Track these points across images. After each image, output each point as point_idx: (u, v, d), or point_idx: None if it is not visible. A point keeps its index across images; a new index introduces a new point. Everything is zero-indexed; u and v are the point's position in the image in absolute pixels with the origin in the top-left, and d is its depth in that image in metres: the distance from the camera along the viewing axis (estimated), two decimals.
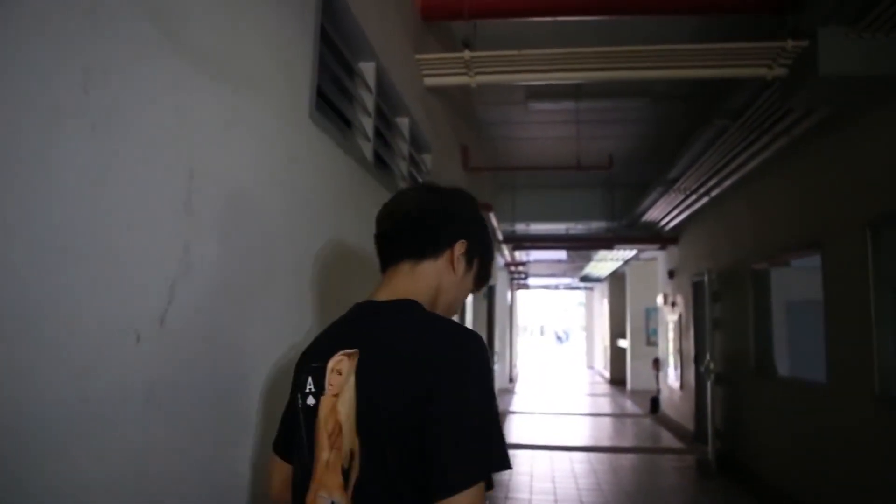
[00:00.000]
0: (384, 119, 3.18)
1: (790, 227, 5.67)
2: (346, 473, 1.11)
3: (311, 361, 1.23)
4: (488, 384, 1.11)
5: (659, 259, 11.64)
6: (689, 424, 9.29)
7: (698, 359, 8.87)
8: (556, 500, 5.86)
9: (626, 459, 7.67)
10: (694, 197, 7.41)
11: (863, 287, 4.37)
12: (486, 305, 9.44)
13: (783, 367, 6.29)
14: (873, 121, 4.29)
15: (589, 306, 25.33)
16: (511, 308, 17.18)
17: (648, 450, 8.48)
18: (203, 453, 1.39)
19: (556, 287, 23.83)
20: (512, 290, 17.58)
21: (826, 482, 4.95)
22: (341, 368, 1.16)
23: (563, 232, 11.46)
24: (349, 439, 1.12)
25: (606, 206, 10.92)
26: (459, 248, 1.33)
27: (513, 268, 14.34)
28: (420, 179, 4.02)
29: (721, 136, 5.56)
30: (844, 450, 4.68)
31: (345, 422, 1.13)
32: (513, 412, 11.78)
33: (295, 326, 1.87)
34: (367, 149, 2.77)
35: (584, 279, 18.63)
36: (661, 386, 11.63)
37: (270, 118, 1.73)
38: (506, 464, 1.07)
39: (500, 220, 10.49)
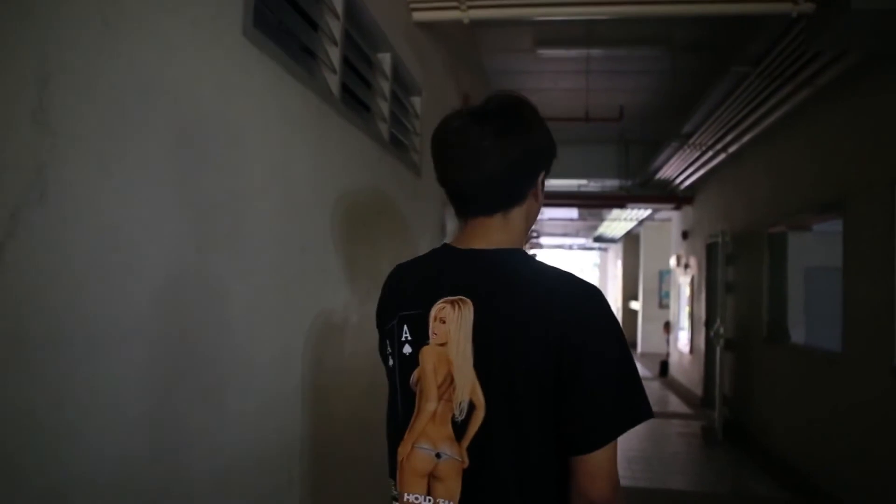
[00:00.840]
0: (359, 52, 2.87)
1: (810, 187, 5.31)
2: (457, 425, 1.09)
3: (403, 309, 1.18)
4: (623, 335, 1.12)
5: (673, 219, 11.26)
6: (698, 389, 9.05)
7: (709, 323, 8.59)
8: None
9: None
10: (710, 154, 7.02)
11: (886, 251, 4.03)
12: None
13: (798, 336, 5.98)
14: None
15: (603, 267, 24.98)
16: None
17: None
18: None
19: (571, 247, 23.45)
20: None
21: (837, 457, 4.69)
22: (445, 317, 1.12)
23: (574, 189, 11.09)
24: (464, 391, 1.09)
25: (620, 163, 10.51)
26: (542, 179, 1.28)
27: None
28: (408, 125, 3.72)
29: (739, 86, 5.17)
30: (859, 423, 4.41)
31: (458, 373, 1.09)
32: None
33: (176, 269, 1.61)
34: (334, 82, 2.47)
35: (598, 239, 18.24)
36: (671, 349, 11.37)
37: (176, 24, 1.44)
38: (650, 413, 1.10)
39: None
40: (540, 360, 1.05)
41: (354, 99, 2.80)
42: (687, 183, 8.81)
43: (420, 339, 1.14)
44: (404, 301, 1.20)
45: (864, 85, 4.37)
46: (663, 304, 14.73)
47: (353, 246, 2.67)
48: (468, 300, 1.10)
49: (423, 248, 4.10)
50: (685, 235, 10.07)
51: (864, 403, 4.34)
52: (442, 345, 1.11)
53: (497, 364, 1.07)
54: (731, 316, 7.41)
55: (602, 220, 14.67)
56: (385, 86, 3.19)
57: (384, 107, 3.18)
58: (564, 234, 19.61)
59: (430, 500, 1.12)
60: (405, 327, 1.16)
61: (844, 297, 4.68)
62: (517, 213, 1.22)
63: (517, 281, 1.12)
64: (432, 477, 1.11)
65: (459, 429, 1.09)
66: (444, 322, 1.11)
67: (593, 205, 11.39)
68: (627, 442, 6.59)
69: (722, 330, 7.13)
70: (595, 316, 1.10)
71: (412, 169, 3.81)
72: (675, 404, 9.14)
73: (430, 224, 4.50)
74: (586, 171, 10.66)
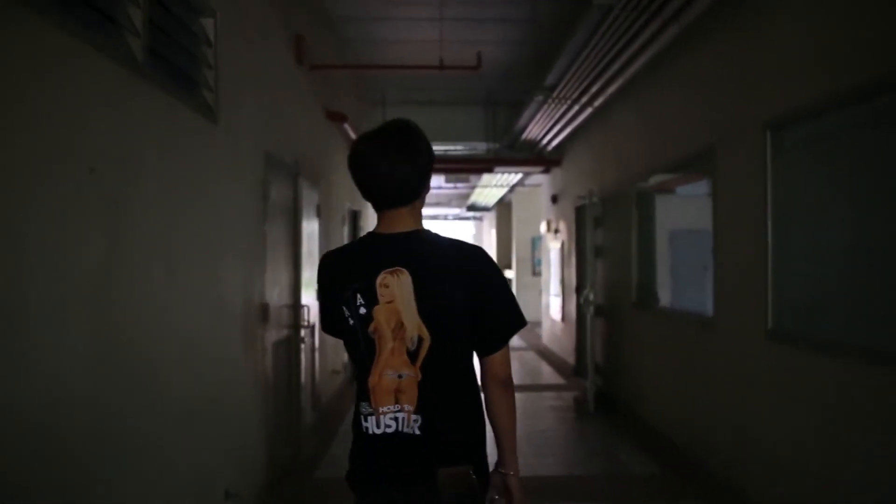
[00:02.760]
0: None
1: (680, 138, 4.90)
2: (410, 353, 1.60)
3: (353, 283, 1.63)
4: (504, 275, 1.74)
5: (543, 183, 10.90)
6: (571, 359, 8.75)
7: (579, 289, 8.26)
8: None
9: None
10: (576, 108, 6.55)
11: (759, 205, 3.63)
12: (350, 235, 8.37)
13: (666, 301, 5.65)
14: (777, 2, 3.47)
15: (478, 238, 24.74)
16: None
17: (525, 388, 7.86)
18: None
19: (446, 217, 23.02)
20: None
21: (712, 427, 4.33)
22: (388, 283, 1.60)
23: (440, 153, 10.46)
24: (413, 330, 1.59)
25: (487, 125, 9.99)
26: (428, 186, 1.76)
27: None
28: (193, 51, 2.86)
29: (603, 24, 4.64)
30: (732, 390, 4.05)
31: (406, 319, 1.60)
32: None
33: None
34: None
35: (472, 208, 17.84)
36: (543, 318, 11.09)
37: None
38: (524, 322, 1.71)
39: None
40: (461, 300, 1.62)
41: (91, 6, 1.95)
42: (555, 143, 8.38)
43: (370, 301, 1.61)
44: (351, 276, 1.65)
45: (734, 20, 3.94)
46: (536, 272, 14.53)
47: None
48: (403, 269, 1.61)
49: (236, 210, 3.28)
50: (555, 199, 9.71)
51: (738, 370, 3.98)
52: (389, 302, 1.60)
53: (434, 307, 1.61)
54: (600, 281, 7.05)
55: (473, 187, 14.21)
56: None
57: (137, 16, 2.31)
58: (437, 204, 19.08)
59: (398, 407, 1.62)
60: (358, 295, 1.62)
61: (715, 256, 4.30)
62: (418, 204, 1.72)
63: (434, 250, 1.67)
64: (397, 391, 1.62)
65: (413, 355, 1.61)
66: (387, 287, 1.60)
67: (459, 169, 10.81)
68: None
69: (592, 296, 6.75)
70: (487, 265, 1.69)
71: (202, 112, 2.95)
72: (549, 375, 8.79)
73: (243, 186, 3.65)
74: (452, 134, 10.05)
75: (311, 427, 5.41)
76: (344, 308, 1.63)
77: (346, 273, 1.66)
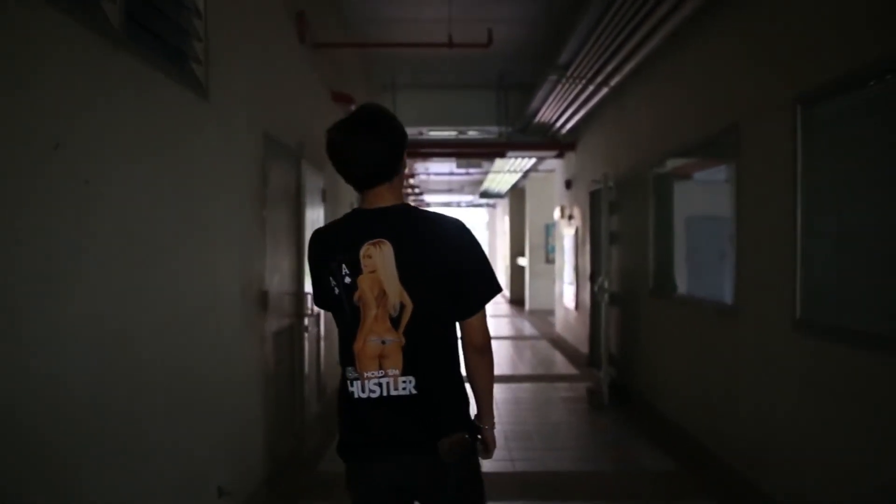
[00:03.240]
0: None
1: (701, 117, 4.65)
2: (393, 320, 1.72)
3: (337, 254, 1.76)
4: (481, 246, 1.85)
5: (556, 168, 10.65)
6: (584, 348, 8.55)
7: (594, 277, 8.04)
8: None
9: (511, 391, 6.80)
10: (590, 88, 6.30)
11: (788, 186, 3.40)
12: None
13: (683, 289, 5.43)
14: None
15: (492, 224, 24.52)
16: None
17: (536, 378, 7.67)
18: None
19: (458, 204, 22.78)
20: None
21: (733, 422, 4.12)
22: (371, 254, 1.73)
23: (452, 138, 10.25)
24: (395, 297, 1.72)
25: (499, 109, 9.74)
26: (404, 163, 1.88)
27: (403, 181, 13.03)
28: (181, 23, 2.66)
29: None
30: (755, 382, 3.83)
31: (388, 287, 1.72)
32: None
33: None
34: None
35: (485, 195, 17.58)
36: (557, 306, 10.88)
37: None
38: (500, 288, 1.84)
39: None
40: (440, 268, 1.74)
41: None
42: (568, 126, 8.13)
43: (355, 272, 1.74)
44: (337, 249, 1.77)
45: None
46: (550, 259, 14.30)
47: None
48: (385, 240, 1.73)
49: (231, 193, 3.09)
50: (568, 185, 9.46)
51: (761, 361, 3.77)
52: (372, 272, 1.73)
53: (415, 276, 1.73)
54: (616, 268, 6.83)
55: (486, 174, 13.97)
56: None
57: None
58: (449, 191, 18.86)
59: (382, 372, 1.73)
60: (343, 266, 1.75)
61: (737, 242, 4.07)
62: (396, 181, 1.85)
63: (414, 223, 1.79)
64: (381, 357, 1.73)
65: (395, 322, 1.73)
66: (370, 258, 1.73)
67: (471, 154, 10.58)
68: (510, 414, 5.90)
69: (607, 283, 6.52)
70: (466, 236, 1.81)
71: (190, 86, 2.77)
72: (561, 365, 8.59)
73: (239, 168, 3.47)
74: (463, 118, 9.83)
75: (315, 418, 5.26)
76: (331, 278, 1.76)
77: (332, 246, 1.79)
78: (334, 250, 1.76)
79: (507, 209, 18.47)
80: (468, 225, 1.83)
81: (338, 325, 1.81)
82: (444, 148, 9.89)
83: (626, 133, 6.51)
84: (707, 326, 4.60)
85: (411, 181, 13.38)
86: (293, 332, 4.62)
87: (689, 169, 5.24)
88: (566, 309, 10.03)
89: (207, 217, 2.98)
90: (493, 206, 22.47)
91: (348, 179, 1.80)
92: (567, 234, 9.74)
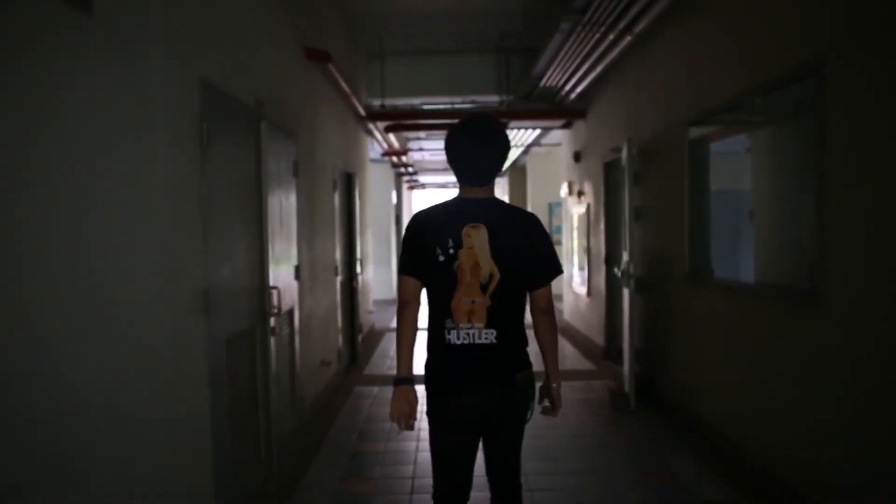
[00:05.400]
0: None
1: (761, 54, 3.72)
2: (483, 286, 2.23)
3: (447, 230, 2.25)
4: (549, 235, 2.42)
5: (563, 141, 9.69)
6: (599, 339, 7.65)
7: (610, 259, 7.12)
8: None
9: None
10: (611, 37, 5.35)
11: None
12: (344, 203, 7.26)
13: (731, 273, 4.53)
14: None
15: None
16: (399, 210, 14.99)
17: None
18: None
19: (455, 185, 21.78)
20: (399, 190, 15.31)
21: (798, 435, 3.24)
22: (470, 234, 2.23)
23: (447, 107, 9.31)
24: (486, 269, 2.23)
25: (500, 75, 8.78)
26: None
27: (395, 159, 12.06)
28: None
29: None
30: (834, 388, 2.94)
31: (482, 261, 2.23)
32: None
33: None
34: None
35: None
36: (565, 291, 9.97)
37: None
38: (561, 270, 2.39)
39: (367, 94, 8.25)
40: (522, 249, 2.27)
41: None
42: (578, 89, 7.19)
43: (457, 245, 2.24)
44: (446, 226, 2.26)
45: None
46: (555, 241, 13.37)
47: None
48: (482, 225, 2.24)
49: (140, 158, 2.11)
50: (577, 157, 8.52)
51: (846, 359, 2.88)
52: (470, 248, 2.23)
53: (503, 254, 2.24)
54: (639, 249, 5.91)
55: None
56: None
57: None
58: (445, 170, 17.86)
59: (470, 325, 2.24)
60: (449, 240, 2.24)
61: (820, 207, 3.16)
62: (494, 181, 2.42)
63: (502, 212, 2.33)
64: (471, 313, 2.24)
65: (484, 288, 2.24)
66: (469, 237, 2.24)
67: None
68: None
69: (632, 267, 5.60)
70: (541, 227, 2.35)
71: None
72: (574, 358, 7.66)
73: (156, 122, 2.54)
74: (459, 86, 8.87)
75: (290, 434, 4.37)
76: (438, 248, 2.25)
77: (440, 224, 2.30)
78: (443, 227, 2.27)
79: (506, 188, 17.49)
80: (537, 217, 2.41)
81: (434, 287, 2.30)
82: (438, 119, 8.92)
83: (652, 91, 5.57)
84: (769, 316, 3.69)
85: (404, 159, 12.39)
86: (255, 336, 3.71)
87: (737, 129, 4.32)
88: (576, 294, 9.12)
89: (94, 188, 2.06)
90: None
91: (460, 176, 2.35)
92: (576, 213, 8.81)
